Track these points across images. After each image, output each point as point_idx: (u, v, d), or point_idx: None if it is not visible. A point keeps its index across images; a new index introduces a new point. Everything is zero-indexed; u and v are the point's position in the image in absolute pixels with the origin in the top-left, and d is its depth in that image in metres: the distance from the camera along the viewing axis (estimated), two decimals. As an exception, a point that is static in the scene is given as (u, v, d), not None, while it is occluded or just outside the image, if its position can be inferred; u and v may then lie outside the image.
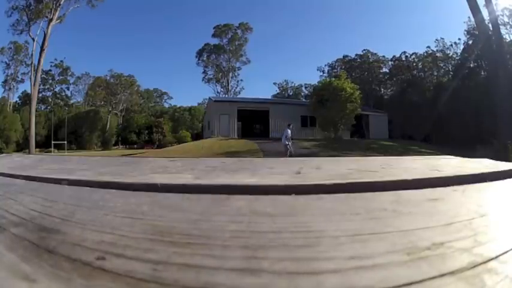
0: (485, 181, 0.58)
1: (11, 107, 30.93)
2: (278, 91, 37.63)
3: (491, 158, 1.05)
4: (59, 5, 19.05)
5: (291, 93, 36.63)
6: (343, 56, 34.03)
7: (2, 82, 31.22)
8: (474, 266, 0.21)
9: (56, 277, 0.21)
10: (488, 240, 0.26)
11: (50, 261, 0.23)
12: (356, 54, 33.31)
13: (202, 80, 33.40)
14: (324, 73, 33.37)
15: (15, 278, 0.21)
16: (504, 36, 15.68)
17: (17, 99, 34.01)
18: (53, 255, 0.24)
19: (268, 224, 0.30)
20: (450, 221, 0.32)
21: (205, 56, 33.67)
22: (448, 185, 0.53)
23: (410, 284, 0.19)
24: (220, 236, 0.25)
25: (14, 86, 32.09)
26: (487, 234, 0.29)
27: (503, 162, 0.96)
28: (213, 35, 32.79)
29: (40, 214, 0.35)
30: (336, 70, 31.95)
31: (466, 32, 23.37)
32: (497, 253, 0.23)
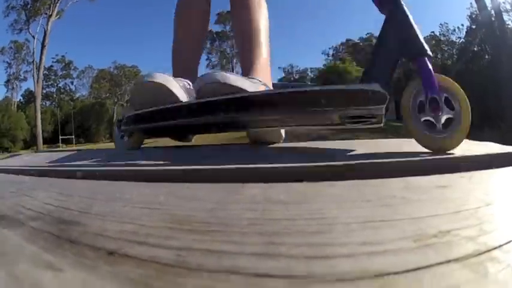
0: (491, 167, 0.58)
1: (15, 106, 31.10)
2: (284, 75, 37.71)
3: (498, 142, 1.03)
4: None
5: (296, 77, 36.69)
6: (347, 40, 33.93)
7: (5, 82, 31.36)
8: (478, 254, 0.22)
9: (81, 265, 0.22)
10: (493, 230, 0.27)
11: (73, 251, 0.24)
12: (359, 38, 33.18)
13: (207, 66, 33.47)
14: (328, 56, 33.33)
15: (39, 268, 0.21)
16: (507, 23, 15.57)
17: (21, 98, 34.15)
18: (75, 245, 0.25)
19: (282, 211, 0.30)
20: (457, 209, 0.32)
21: (208, 42, 33.66)
22: (456, 168, 0.54)
23: (418, 269, 0.20)
24: (237, 224, 0.26)
25: (17, 85, 32.25)
26: (492, 223, 0.29)
27: (510, 147, 0.95)
28: (217, 22, 32.81)
29: (57, 208, 0.36)
30: (339, 53, 31.91)
31: (468, 17, 23.19)
32: (501, 242, 0.24)
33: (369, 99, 0.75)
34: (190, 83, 0.99)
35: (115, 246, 0.23)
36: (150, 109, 0.90)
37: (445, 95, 0.78)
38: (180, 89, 0.89)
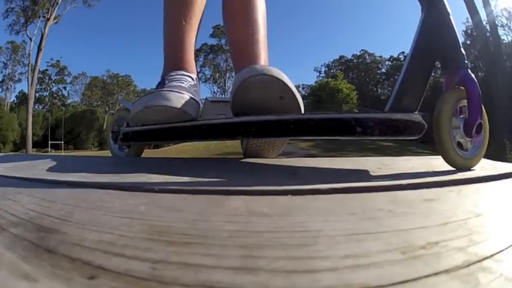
0: (481, 181, 0.58)
1: (8, 106, 31.07)
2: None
3: (488, 158, 1.03)
4: (57, 3, 19.19)
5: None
6: (340, 57, 34.39)
7: (0, 82, 31.32)
8: (469, 265, 0.21)
9: (56, 276, 0.21)
10: (483, 240, 0.26)
11: (50, 261, 0.23)
12: (353, 55, 33.60)
13: (199, 79, 33.73)
14: (320, 73, 33.68)
15: (15, 278, 0.21)
16: (502, 38, 15.80)
17: (14, 99, 34.15)
18: (53, 255, 0.24)
19: (264, 224, 0.30)
20: (446, 220, 0.32)
21: (202, 56, 33.91)
22: (444, 185, 0.53)
23: (406, 281, 0.19)
24: (217, 236, 0.25)
25: (11, 86, 32.28)
26: (482, 233, 0.29)
27: (500, 163, 0.95)
28: (212, 35, 33.10)
29: (38, 214, 0.35)
30: (333, 70, 32.27)
31: (463, 32, 23.55)
32: (492, 252, 0.23)
33: (405, 129, 0.68)
34: (194, 77, 0.92)
35: (91, 258, 0.23)
36: (166, 126, 0.81)
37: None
38: (194, 103, 0.80)
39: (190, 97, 0.79)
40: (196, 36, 0.99)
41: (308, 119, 0.66)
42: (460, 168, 0.71)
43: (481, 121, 0.72)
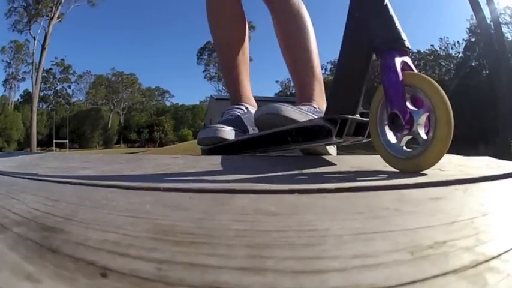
0: (487, 180, 0.57)
1: (12, 105, 31.13)
2: (280, 89, 38.07)
3: (494, 156, 1.01)
4: (60, 2, 19.20)
5: (293, 91, 37.16)
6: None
7: (3, 81, 31.44)
8: (476, 265, 0.21)
9: (59, 277, 0.21)
10: (490, 239, 0.26)
11: (54, 261, 0.23)
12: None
13: (204, 78, 33.80)
14: (326, 71, 33.57)
15: (18, 278, 0.20)
16: (506, 35, 15.74)
17: (19, 98, 34.22)
18: (56, 255, 0.24)
19: (272, 223, 0.29)
20: (452, 220, 0.32)
21: (206, 54, 33.90)
22: (449, 184, 0.52)
23: (414, 282, 0.19)
24: (224, 235, 0.25)
25: (15, 85, 32.36)
26: (489, 233, 0.28)
27: (505, 161, 0.94)
28: (215, 34, 33.20)
29: (43, 213, 0.35)
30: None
31: (468, 30, 23.49)
32: (499, 252, 0.23)
33: (316, 135, 0.70)
34: (245, 106, 1.24)
35: (96, 258, 0.22)
36: (221, 144, 1.10)
37: (415, 95, 0.59)
38: (231, 132, 1.11)
39: (229, 129, 1.11)
40: (248, 69, 1.32)
41: (258, 136, 0.96)
42: (403, 171, 0.60)
43: (395, 111, 0.58)
